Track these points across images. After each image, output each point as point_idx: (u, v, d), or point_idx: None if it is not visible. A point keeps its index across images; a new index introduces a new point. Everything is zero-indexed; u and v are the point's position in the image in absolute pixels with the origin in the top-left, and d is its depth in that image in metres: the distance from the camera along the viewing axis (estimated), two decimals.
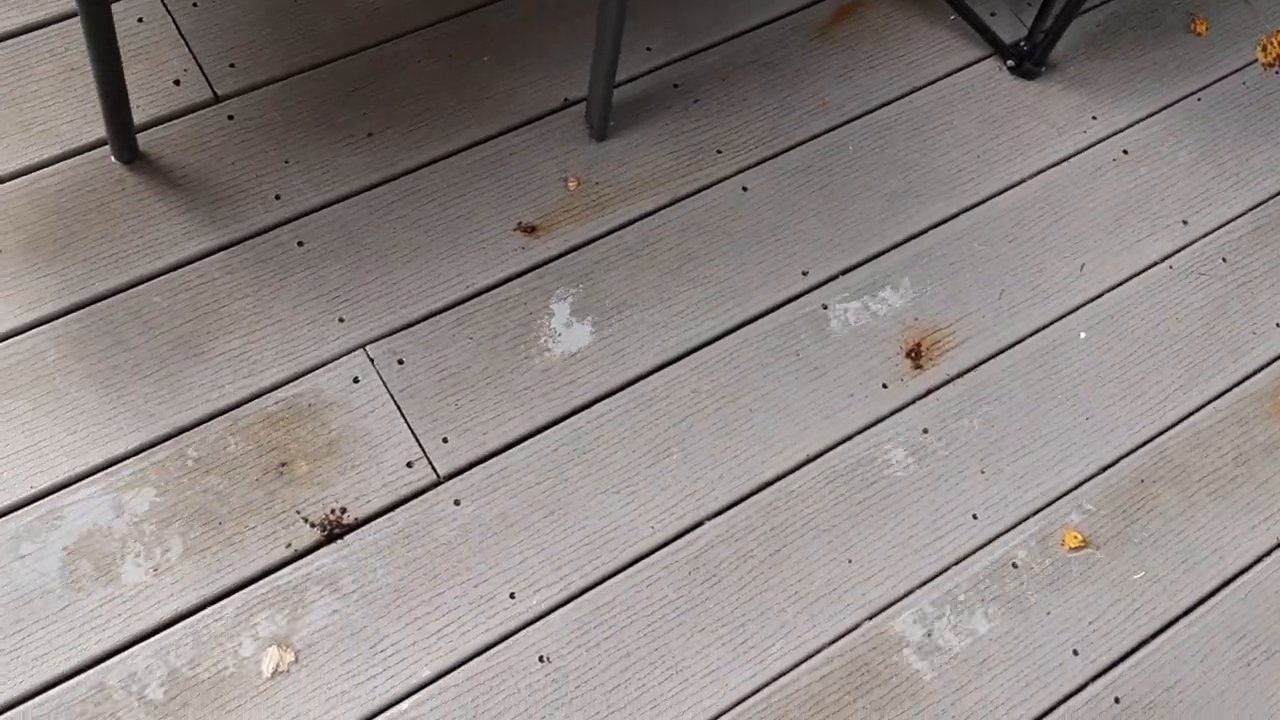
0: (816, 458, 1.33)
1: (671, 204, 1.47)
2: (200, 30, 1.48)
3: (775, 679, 1.21)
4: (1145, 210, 1.57)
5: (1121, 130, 1.62)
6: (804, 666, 1.22)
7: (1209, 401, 1.44)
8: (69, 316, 1.29)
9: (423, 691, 1.16)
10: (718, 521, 1.28)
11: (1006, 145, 1.58)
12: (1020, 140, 1.59)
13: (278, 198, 1.40)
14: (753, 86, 1.57)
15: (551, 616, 1.21)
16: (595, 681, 1.19)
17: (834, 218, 1.49)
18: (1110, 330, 1.47)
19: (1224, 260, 1.54)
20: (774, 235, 1.46)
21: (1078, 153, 1.59)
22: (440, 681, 1.17)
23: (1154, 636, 1.29)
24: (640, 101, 1.54)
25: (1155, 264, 1.53)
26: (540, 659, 1.19)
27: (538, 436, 1.30)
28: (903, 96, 1.59)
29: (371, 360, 1.32)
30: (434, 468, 1.27)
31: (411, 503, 1.25)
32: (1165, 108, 1.66)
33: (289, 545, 1.21)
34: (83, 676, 1.12)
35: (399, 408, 1.30)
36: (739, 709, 1.19)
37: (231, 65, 1.46)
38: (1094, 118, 1.62)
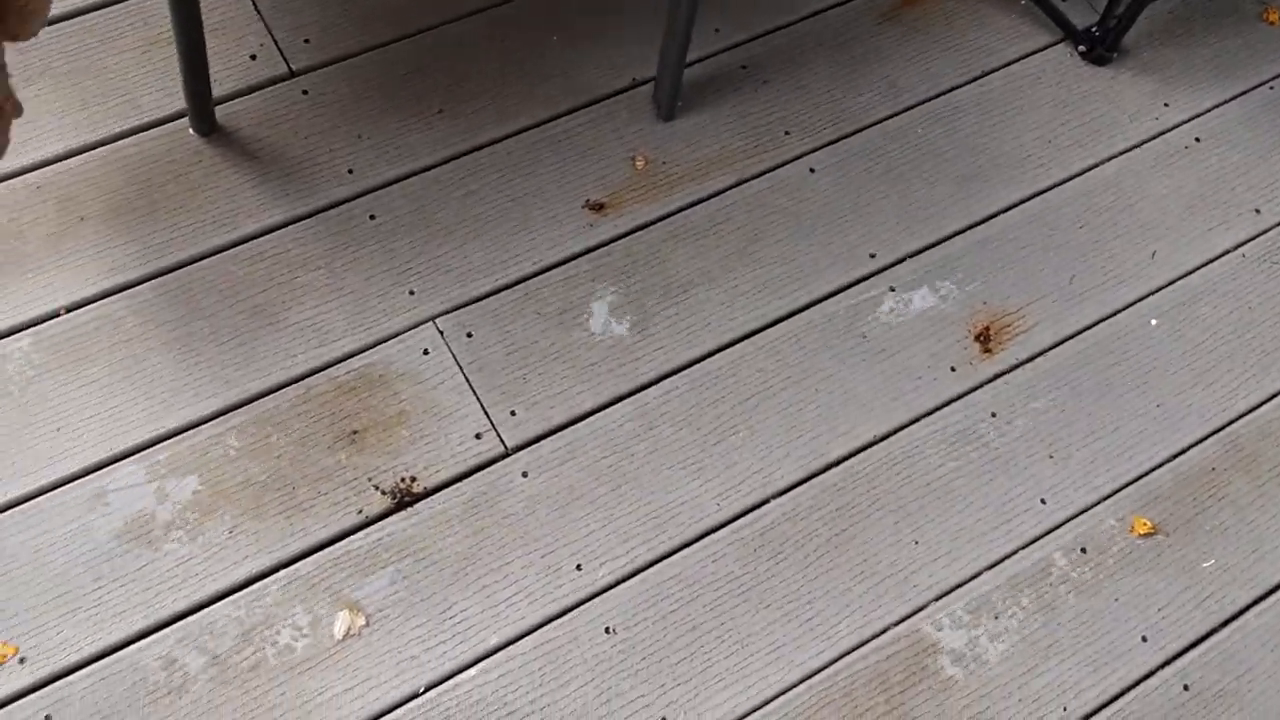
0: (883, 439, 1.32)
1: (738, 184, 1.47)
2: (276, 6, 1.50)
3: (841, 656, 1.20)
4: (1217, 198, 1.55)
5: (1194, 118, 1.60)
6: (871, 645, 1.21)
7: None
8: (147, 284, 1.31)
9: (490, 659, 1.17)
10: (783, 500, 1.28)
11: (1077, 131, 1.57)
12: (1091, 126, 1.57)
13: (350, 172, 1.42)
14: (821, 68, 1.56)
15: (618, 589, 1.22)
16: (661, 654, 1.19)
17: (902, 200, 1.48)
18: (1181, 318, 1.45)
19: None
20: (841, 217, 1.46)
21: (1149, 139, 1.58)
22: (508, 649, 1.18)
23: (1224, 625, 1.28)
24: (708, 82, 1.54)
25: (1227, 252, 1.51)
26: (607, 630, 1.20)
27: (604, 411, 1.31)
28: (973, 80, 1.58)
29: (441, 333, 1.33)
30: (502, 440, 1.28)
31: (480, 473, 1.26)
32: (1237, 96, 1.64)
33: (360, 511, 1.23)
34: (159, 634, 1.14)
35: (468, 380, 1.31)
36: (805, 685, 1.19)
37: (306, 41, 1.48)
38: (1166, 105, 1.60)
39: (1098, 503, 1.32)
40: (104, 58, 1.43)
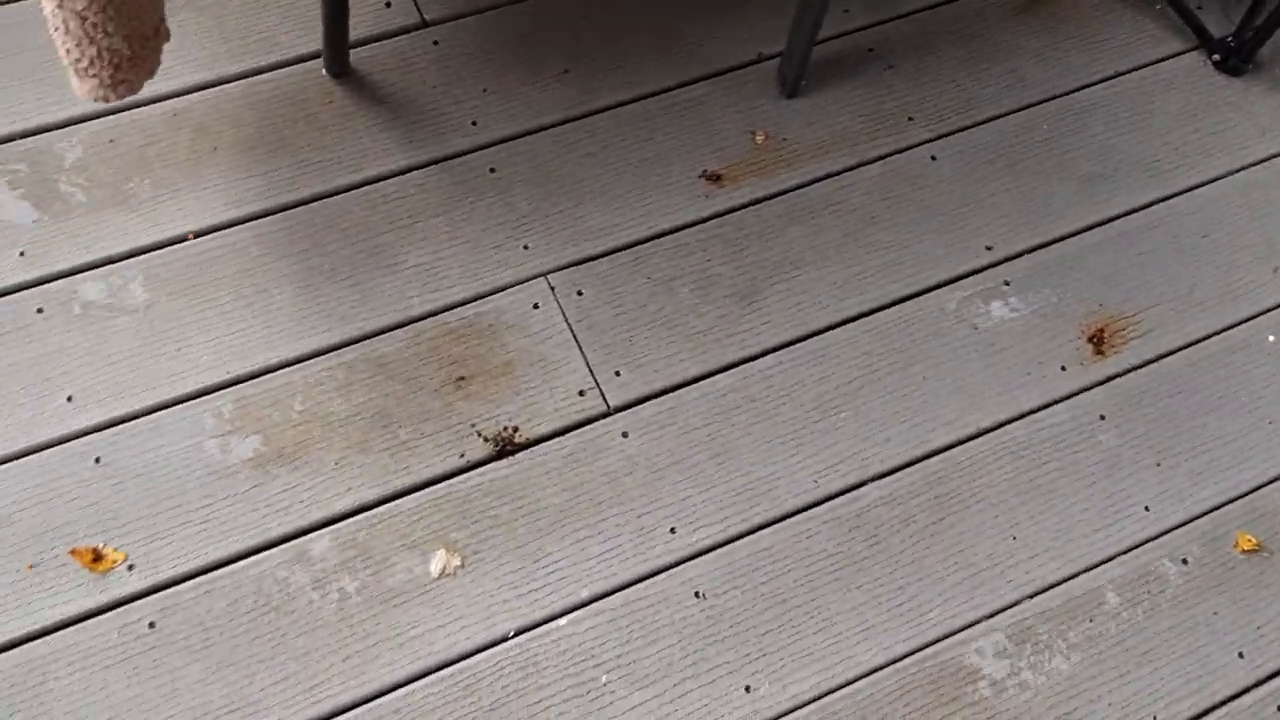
0: (988, 432, 1.31)
1: (857, 166, 1.46)
2: None
3: (930, 644, 1.19)
4: None
5: None
6: (961, 636, 1.20)
7: None
8: (273, 216, 1.34)
9: (580, 610, 1.18)
10: (883, 483, 1.27)
11: (1206, 140, 1.53)
12: (1221, 136, 1.54)
13: (474, 124, 1.43)
14: (949, 57, 1.55)
15: (710, 555, 1.22)
16: (749, 623, 1.19)
17: (1023, 195, 1.46)
18: None
19: None
20: (960, 207, 1.44)
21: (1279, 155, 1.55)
22: (598, 603, 1.19)
23: None
24: (833, 62, 1.53)
25: None
26: (696, 594, 1.20)
27: (708, 380, 1.31)
28: (1102, 81, 1.56)
29: (552, 289, 1.35)
30: (605, 399, 1.29)
31: (581, 430, 1.27)
32: None
33: (462, 455, 1.24)
34: (263, 555, 1.17)
35: (575, 337, 1.32)
36: (892, 669, 1.18)
37: None
38: None
39: (1202, 514, 1.29)
40: None
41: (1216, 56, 1.59)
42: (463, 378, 1.29)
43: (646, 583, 1.21)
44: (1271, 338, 1.41)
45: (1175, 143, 1.53)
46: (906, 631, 1.20)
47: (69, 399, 1.21)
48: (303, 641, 1.13)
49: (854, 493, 1.27)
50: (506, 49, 1.49)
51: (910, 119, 1.50)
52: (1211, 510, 1.30)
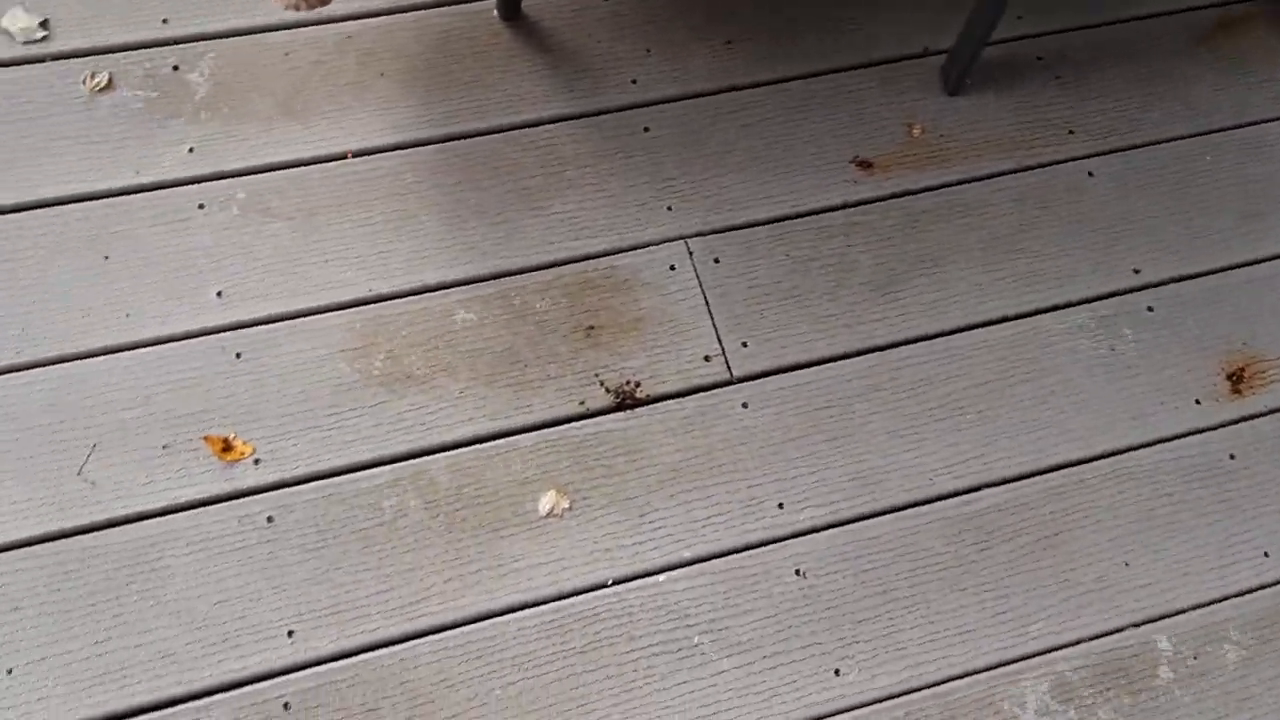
0: (1114, 455, 1.28)
1: (1012, 172, 1.44)
2: None
3: (1030, 657, 1.17)
4: None
5: None
6: (1061, 653, 1.18)
7: None
8: (430, 147, 1.37)
9: (680, 570, 1.19)
10: (999, 490, 1.25)
11: None
12: None
13: (634, 82, 1.44)
14: (1118, 76, 1.51)
15: (816, 535, 1.22)
16: (847, 608, 1.18)
17: (1177, 223, 1.42)
18: None
19: None
20: (1111, 226, 1.41)
21: None
22: (699, 565, 1.19)
23: None
24: (999, 65, 1.51)
25: None
26: (797, 572, 1.20)
27: (835, 364, 1.31)
28: (1275, 120, 1.51)
29: (690, 253, 1.35)
30: (729, 367, 1.29)
31: (702, 394, 1.28)
32: None
33: (582, 403, 1.26)
34: (382, 469, 1.20)
35: (707, 303, 1.32)
36: (987, 675, 1.16)
37: None
38: None
39: None
40: None
41: None
42: (592, 327, 1.30)
43: (749, 553, 1.21)
44: None
45: None
46: (1006, 640, 1.18)
47: (218, 294, 1.25)
48: (409, 558, 1.16)
49: (969, 495, 1.25)
50: (674, 13, 1.50)
51: (1071, 132, 1.47)
52: None
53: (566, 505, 1.21)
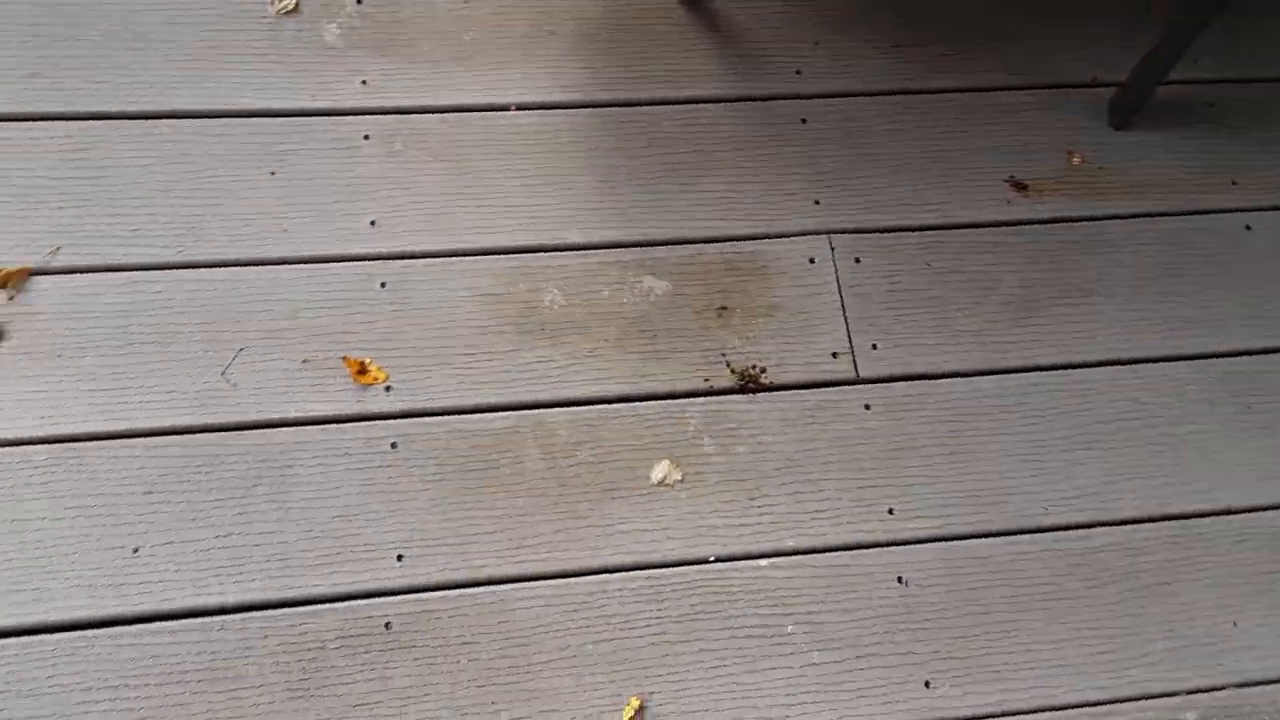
0: (1238, 513, 1.25)
1: (1169, 215, 1.41)
2: None
3: (1125, 700, 1.15)
4: None
5: None
6: (1156, 702, 1.16)
7: None
8: (590, 109, 1.39)
9: (783, 558, 1.19)
10: (1115, 530, 1.23)
11: None
12: None
13: (798, 73, 1.45)
14: None
15: (923, 546, 1.21)
16: (944, 622, 1.18)
17: None
18: None
19: None
20: (1265, 283, 1.38)
21: None
22: (802, 557, 1.19)
23: None
24: (1169, 106, 1.48)
25: None
26: (899, 579, 1.19)
27: (964, 379, 1.30)
28: None
29: (832, 249, 1.35)
30: (856, 367, 1.29)
31: (826, 389, 1.28)
32: None
33: (707, 380, 1.27)
34: (506, 414, 1.22)
35: (842, 300, 1.32)
36: (1079, 712, 1.14)
37: None
38: None
39: None
40: None
41: None
42: (725, 308, 1.31)
43: (854, 552, 1.20)
44: None
45: None
46: (1102, 680, 1.16)
47: (372, 223, 1.29)
48: (521, 503, 1.18)
49: (1084, 531, 1.23)
50: (846, 10, 1.50)
51: (1234, 183, 1.44)
52: None
53: (678, 477, 1.22)
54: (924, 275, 1.35)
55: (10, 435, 1.13)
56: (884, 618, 1.18)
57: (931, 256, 1.36)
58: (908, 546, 1.21)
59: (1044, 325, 1.33)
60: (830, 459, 1.24)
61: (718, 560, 1.18)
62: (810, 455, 1.24)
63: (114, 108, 1.28)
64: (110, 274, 1.21)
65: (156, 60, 1.31)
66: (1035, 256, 1.37)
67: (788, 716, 1.12)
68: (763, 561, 1.19)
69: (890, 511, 1.22)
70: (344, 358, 1.21)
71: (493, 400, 1.23)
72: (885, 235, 1.37)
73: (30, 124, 1.26)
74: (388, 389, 1.21)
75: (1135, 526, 1.24)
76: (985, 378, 1.30)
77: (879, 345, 1.30)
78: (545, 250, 1.31)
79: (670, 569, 1.17)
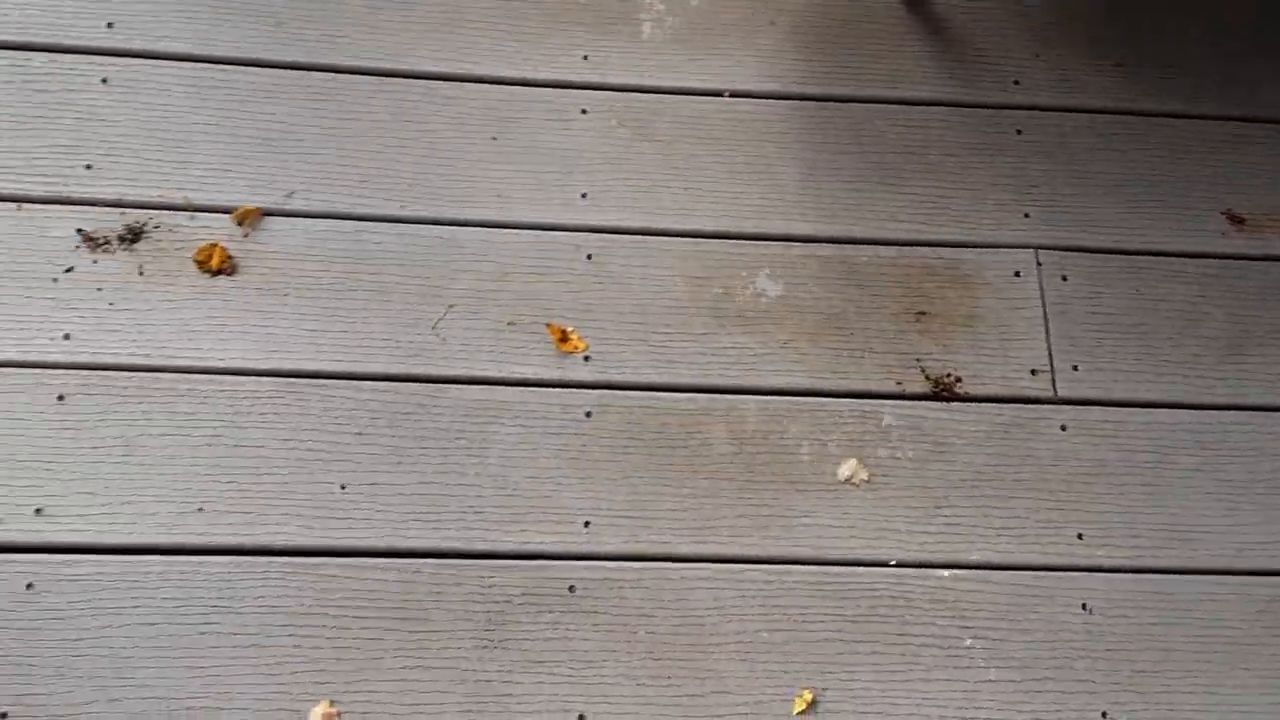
0: None
1: None
2: None
3: None
4: None
5: None
6: None
7: None
8: (803, 102, 1.39)
9: (965, 570, 1.18)
10: None
11: None
12: None
13: (1016, 83, 1.43)
14: None
15: (1110, 575, 1.19)
16: (1126, 655, 1.15)
17: None
18: None
19: None
20: None
21: None
22: (985, 572, 1.18)
23: None
24: None
25: None
26: (1083, 606, 1.17)
27: (1165, 410, 1.26)
28: None
29: (1039, 264, 1.33)
30: (1055, 386, 1.27)
31: (1022, 406, 1.26)
32: None
33: (900, 384, 1.26)
34: (700, 395, 1.23)
35: (1045, 317, 1.30)
36: None
37: None
38: None
39: None
40: None
41: None
42: (924, 313, 1.30)
43: (1038, 573, 1.19)
44: None
45: None
46: None
47: (583, 195, 1.31)
48: (706, 485, 1.20)
49: (1277, 579, 1.19)
50: (1069, 23, 1.47)
51: None
52: None
53: (865, 477, 1.22)
54: (1131, 300, 1.32)
55: (237, 365, 1.18)
56: (1065, 643, 1.16)
57: (1140, 283, 1.33)
58: (1094, 574, 1.19)
59: (1252, 364, 1.29)
60: (1021, 477, 1.23)
61: (899, 565, 1.18)
62: (1001, 470, 1.23)
63: (351, 62, 1.34)
64: (337, 221, 1.26)
65: (394, 20, 1.36)
66: (1248, 293, 1.33)
67: None
68: (944, 571, 1.18)
69: (1079, 537, 1.20)
70: (548, 324, 1.24)
71: (686, 381, 1.24)
72: (1094, 255, 1.34)
73: (274, 70, 1.32)
74: (586, 359, 1.24)
75: None
76: (1187, 411, 1.26)
77: (1079, 366, 1.28)
78: (747, 238, 1.31)
79: (850, 567, 1.17)
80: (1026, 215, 1.35)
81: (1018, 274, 1.32)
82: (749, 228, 1.32)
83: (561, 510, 1.17)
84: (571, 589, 1.14)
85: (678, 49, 1.40)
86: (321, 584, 1.11)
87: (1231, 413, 1.27)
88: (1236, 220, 1.37)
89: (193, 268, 1.21)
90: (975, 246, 1.34)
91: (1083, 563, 1.19)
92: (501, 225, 1.29)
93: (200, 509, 1.13)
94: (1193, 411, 1.26)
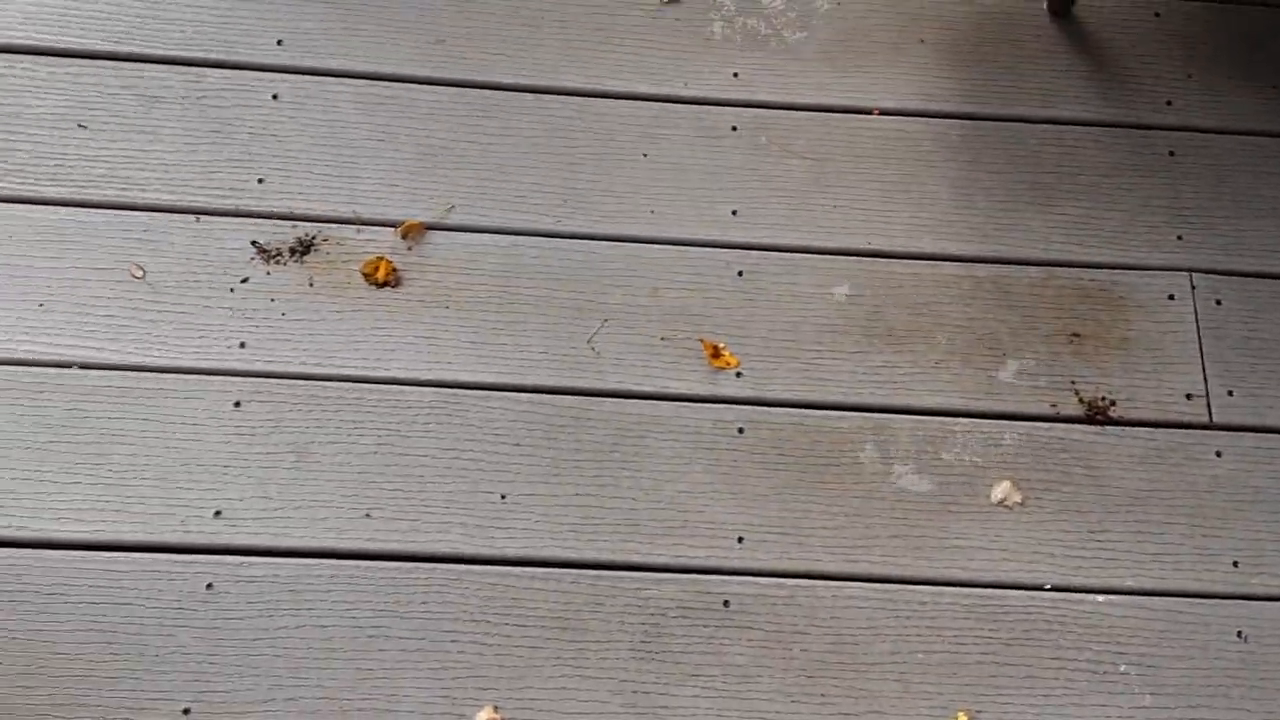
0: None
1: None
2: None
3: None
4: None
5: None
6: None
7: None
8: (954, 120, 1.39)
9: (1120, 596, 1.17)
10: None
11: None
12: None
13: (1169, 104, 1.41)
14: None
15: (1266, 604, 1.17)
16: None
17: None
18: None
19: None
20: None
21: None
22: (1140, 598, 1.17)
23: None
24: None
25: None
26: (1239, 634, 1.15)
27: None
28: None
29: (1193, 287, 1.32)
30: (1210, 411, 1.25)
31: (1176, 431, 1.25)
32: None
33: (1053, 406, 1.26)
34: (845, 413, 1.24)
35: (1200, 341, 1.29)
36: None
37: None
38: None
39: None
40: None
41: None
42: (1077, 334, 1.29)
43: (1192, 600, 1.18)
44: None
45: None
46: None
47: (733, 212, 1.33)
48: (857, 504, 1.20)
49: None
50: (1224, 44, 1.45)
51: None
52: None
53: (1018, 499, 1.22)
54: None
55: (401, 375, 1.22)
56: (1220, 671, 1.14)
57: None
58: (1250, 602, 1.17)
59: None
60: (1176, 502, 1.22)
61: (1053, 589, 1.18)
62: (1155, 496, 1.22)
63: (508, 79, 1.37)
64: (495, 235, 1.29)
65: (549, 39, 1.39)
66: None
67: None
68: (1099, 597, 1.18)
69: (1235, 564, 1.19)
70: (701, 339, 1.26)
71: (836, 399, 1.25)
72: (1249, 280, 1.32)
73: (434, 87, 1.35)
74: (738, 374, 1.25)
75: None
76: None
77: (1234, 392, 1.26)
78: (897, 257, 1.32)
79: (1004, 590, 1.17)
80: (1180, 238, 1.34)
81: (1171, 297, 1.31)
82: (899, 246, 1.32)
83: (715, 525, 1.19)
84: (726, 604, 1.15)
85: (827, 66, 1.41)
86: (483, 591, 1.14)
87: None
88: None
89: (360, 280, 1.25)
90: (1128, 268, 1.32)
91: (1238, 590, 1.18)
92: (653, 241, 1.31)
93: (368, 515, 1.16)
94: None
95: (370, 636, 1.12)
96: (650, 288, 1.29)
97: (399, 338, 1.24)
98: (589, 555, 1.17)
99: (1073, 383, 1.27)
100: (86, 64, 1.33)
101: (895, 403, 1.25)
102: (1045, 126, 1.39)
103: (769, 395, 1.25)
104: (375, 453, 1.19)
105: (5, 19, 1.34)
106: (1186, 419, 1.25)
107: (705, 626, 1.15)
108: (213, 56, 1.35)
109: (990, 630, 1.16)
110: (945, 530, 1.20)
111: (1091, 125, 1.39)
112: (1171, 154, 1.38)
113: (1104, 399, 1.26)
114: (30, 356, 1.20)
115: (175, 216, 1.27)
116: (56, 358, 1.20)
